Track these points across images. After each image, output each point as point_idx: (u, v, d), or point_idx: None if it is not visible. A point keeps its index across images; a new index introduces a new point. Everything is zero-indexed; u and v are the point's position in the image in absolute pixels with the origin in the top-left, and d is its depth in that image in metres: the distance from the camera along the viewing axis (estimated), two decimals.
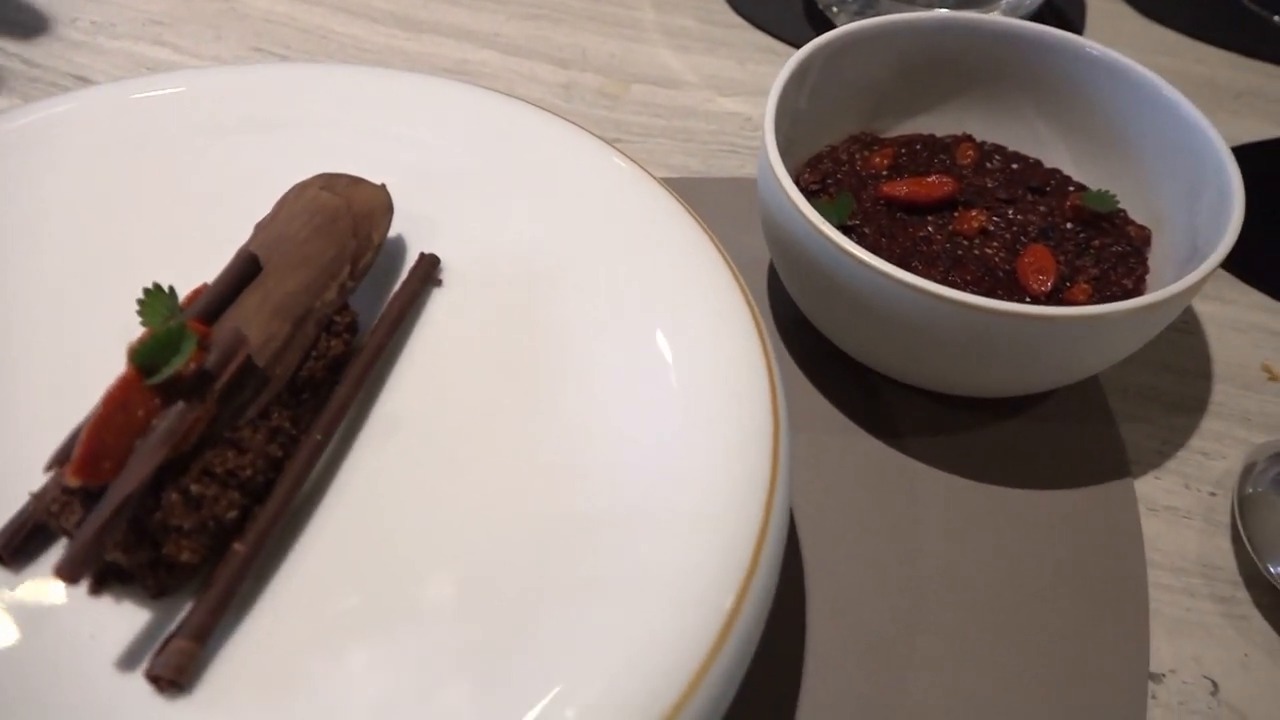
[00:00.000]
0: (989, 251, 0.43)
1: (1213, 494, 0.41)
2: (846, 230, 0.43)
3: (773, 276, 0.48)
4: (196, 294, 0.32)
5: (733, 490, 0.29)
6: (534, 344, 0.35)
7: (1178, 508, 0.41)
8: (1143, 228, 0.44)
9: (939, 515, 0.40)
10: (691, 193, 0.52)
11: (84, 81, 0.56)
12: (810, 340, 0.45)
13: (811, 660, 0.35)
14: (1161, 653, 0.36)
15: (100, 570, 0.28)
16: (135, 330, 0.29)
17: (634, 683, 0.25)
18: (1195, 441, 0.43)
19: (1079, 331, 0.36)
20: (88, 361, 0.32)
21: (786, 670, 0.35)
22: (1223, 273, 0.51)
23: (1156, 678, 0.36)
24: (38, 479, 0.29)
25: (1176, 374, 0.46)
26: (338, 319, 0.33)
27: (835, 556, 0.38)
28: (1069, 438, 0.42)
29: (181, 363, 0.27)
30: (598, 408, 0.33)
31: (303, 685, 0.26)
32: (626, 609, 0.27)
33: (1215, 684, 0.35)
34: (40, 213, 0.37)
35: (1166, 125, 0.43)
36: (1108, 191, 0.44)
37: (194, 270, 0.33)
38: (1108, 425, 0.43)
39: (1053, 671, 0.35)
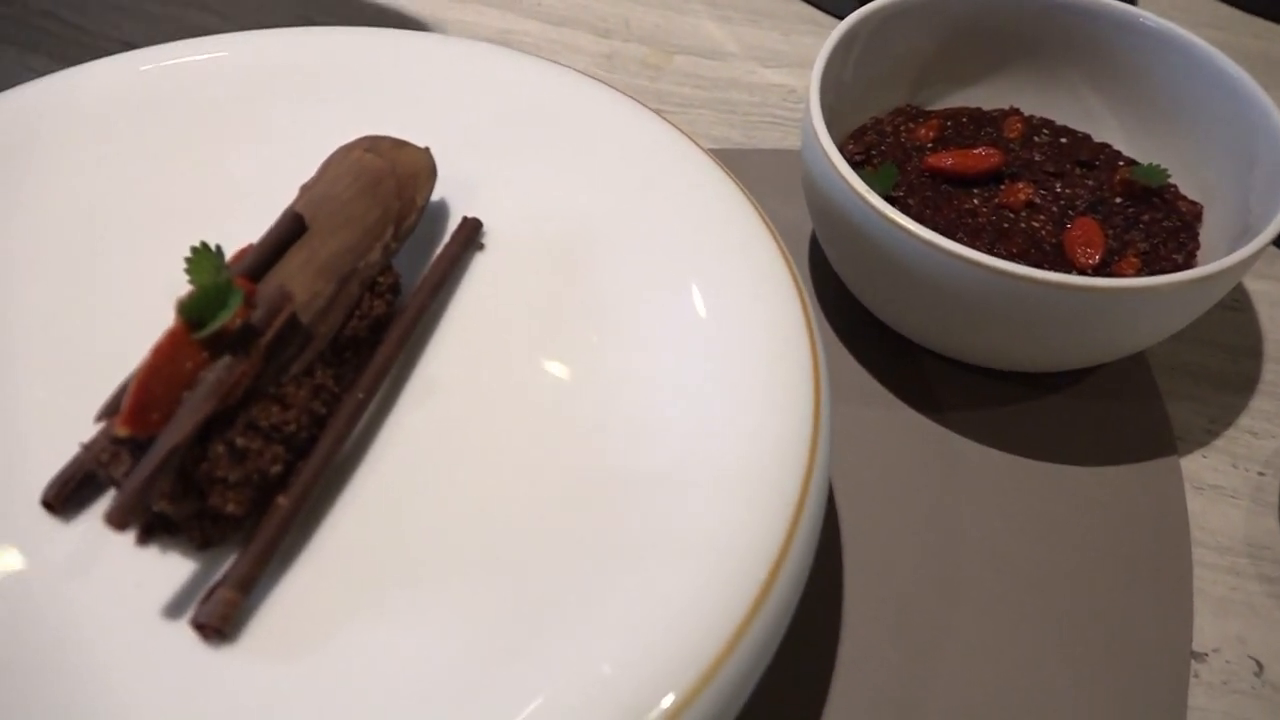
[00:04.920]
0: (1035, 225, 0.42)
1: (1261, 474, 0.40)
2: (890, 201, 0.42)
3: (814, 249, 0.48)
4: (242, 254, 0.32)
5: (772, 456, 0.29)
6: (575, 309, 0.35)
7: (1224, 487, 0.40)
8: (1194, 203, 0.43)
9: (979, 490, 0.39)
10: (733, 164, 0.51)
11: (131, 47, 0.56)
12: (851, 312, 0.45)
13: (847, 632, 0.35)
14: (1205, 632, 0.36)
15: (147, 521, 0.28)
16: (183, 288, 0.30)
17: (670, 645, 0.25)
18: (1244, 420, 0.42)
19: (1126, 304, 0.35)
20: (137, 318, 0.32)
21: (822, 639, 0.35)
22: (1276, 251, 0.50)
23: (1200, 657, 0.35)
24: (88, 430, 0.29)
25: (1226, 352, 0.45)
26: (381, 280, 0.33)
27: (874, 529, 0.38)
28: (1114, 414, 0.42)
29: (228, 317, 0.27)
30: (638, 373, 0.33)
31: (343, 636, 0.27)
32: (663, 571, 0.27)
33: (1260, 664, 0.35)
34: (92, 173, 0.38)
35: (1222, 98, 0.42)
36: (1158, 165, 0.43)
37: (240, 231, 0.33)
38: (1154, 402, 0.42)
39: (1093, 648, 0.35)
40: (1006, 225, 0.42)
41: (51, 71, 0.53)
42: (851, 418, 0.41)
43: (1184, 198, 0.44)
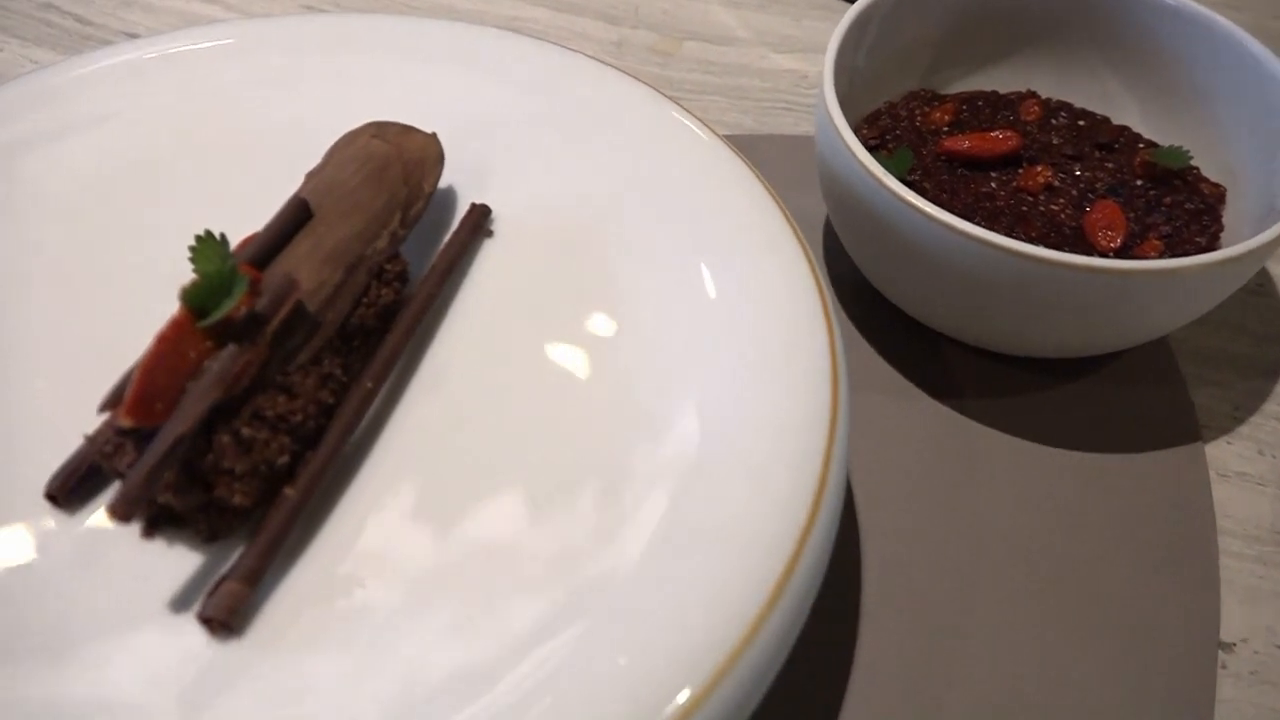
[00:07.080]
0: (1055, 208, 0.41)
1: None
2: (906, 185, 0.42)
3: (829, 236, 0.47)
4: (248, 241, 0.32)
5: (789, 445, 0.28)
6: (586, 296, 0.34)
7: (1250, 474, 0.39)
8: (1216, 185, 0.43)
9: (1000, 478, 0.38)
10: (746, 150, 0.51)
11: (134, 39, 0.56)
12: (868, 300, 0.44)
13: (866, 624, 0.34)
14: (1233, 622, 0.35)
15: (153, 514, 0.28)
16: (187, 277, 0.29)
17: (686, 638, 0.25)
18: (1270, 406, 0.41)
19: (1149, 287, 0.34)
20: (140, 307, 0.31)
21: (841, 631, 0.34)
22: None
23: (1227, 647, 0.34)
24: (92, 421, 0.29)
25: (1251, 337, 0.44)
26: (389, 267, 0.33)
27: (893, 519, 0.37)
28: (1137, 401, 0.41)
29: (232, 305, 0.27)
30: (651, 362, 0.32)
31: (352, 629, 0.26)
32: (679, 563, 0.27)
33: None
34: (95, 162, 0.37)
35: (1244, 78, 0.42)
36: (1179, 147, 0.43)
37: (245, 219, 0.33)
38: (1177, 388, 0.41)
39: (1118, 640, 0.34)
40: (1025, 209, 0.41)
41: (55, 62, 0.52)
42: (869, 406, 0.40)
43: (1206, 180, 0.43)
